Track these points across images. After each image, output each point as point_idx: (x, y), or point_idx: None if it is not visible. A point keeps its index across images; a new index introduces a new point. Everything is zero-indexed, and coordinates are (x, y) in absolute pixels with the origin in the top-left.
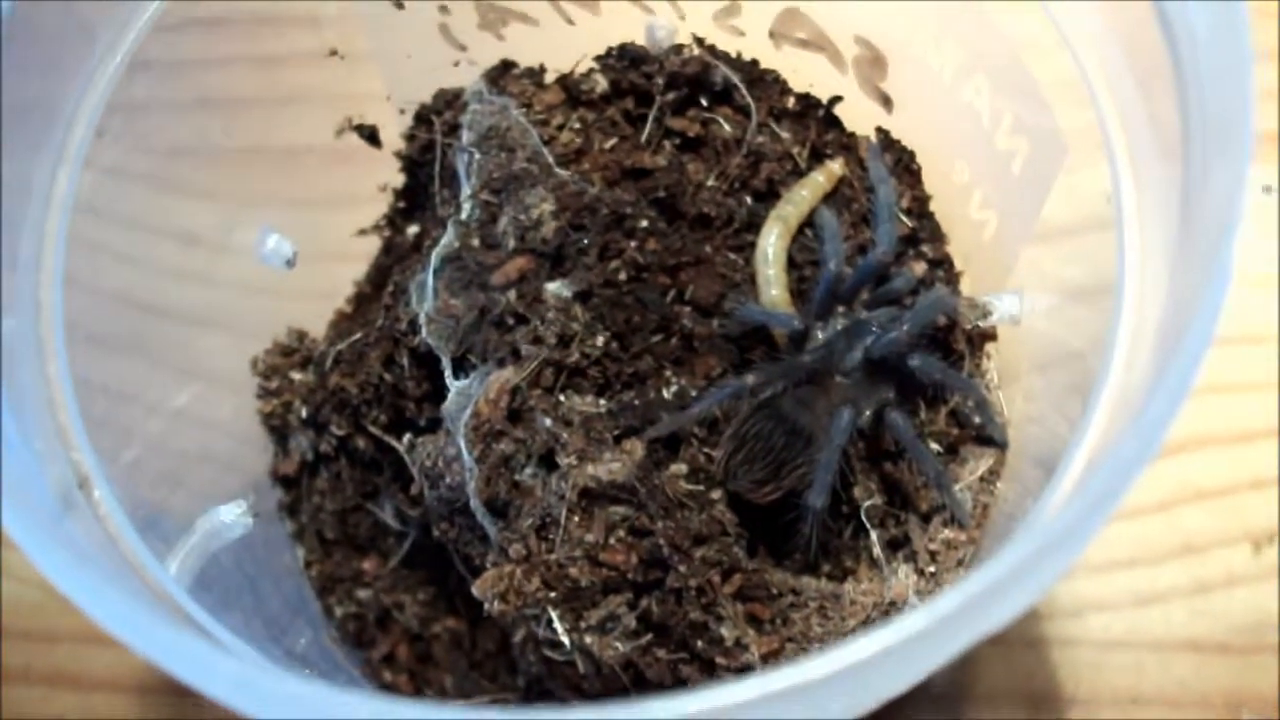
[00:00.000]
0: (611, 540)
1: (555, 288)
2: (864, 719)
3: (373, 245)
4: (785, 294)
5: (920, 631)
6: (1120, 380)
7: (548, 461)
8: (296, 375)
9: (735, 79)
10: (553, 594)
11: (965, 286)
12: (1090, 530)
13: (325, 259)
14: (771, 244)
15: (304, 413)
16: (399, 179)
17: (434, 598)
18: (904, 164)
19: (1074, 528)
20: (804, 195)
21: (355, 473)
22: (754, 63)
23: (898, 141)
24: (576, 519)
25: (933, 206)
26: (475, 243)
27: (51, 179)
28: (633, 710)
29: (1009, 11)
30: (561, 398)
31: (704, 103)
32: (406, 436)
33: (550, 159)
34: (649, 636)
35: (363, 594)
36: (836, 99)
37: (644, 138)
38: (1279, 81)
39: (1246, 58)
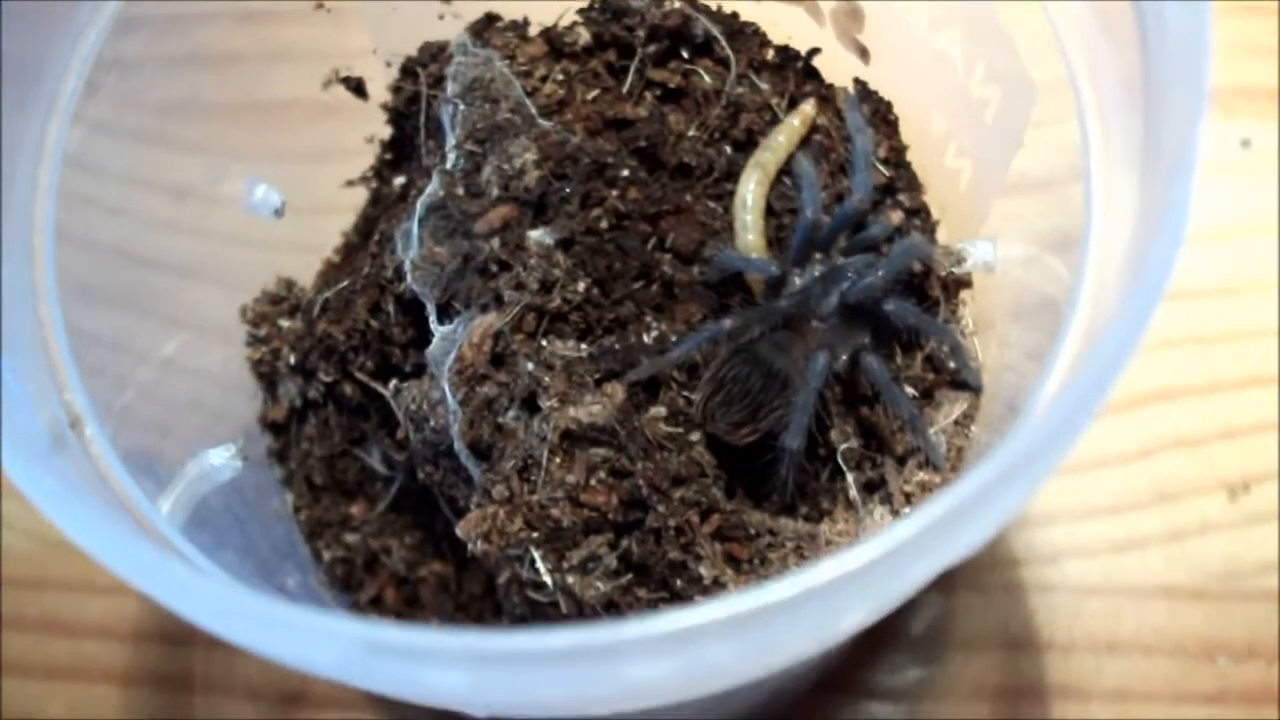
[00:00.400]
0: (592, 481)
1: (538, 235)
2: (841, 664)
3: (360, 197)
4: (761, 240)
5: (884, 555)
6: (1086, 325)
7: (530, 404)
8: (285, 323)
9: (715, 31)
10: (535, 534)
11: (941, 235)
12: (1050, 459)
13: (313, 211)
14: (750, 190)
15: (292, 360)
16: (385, 131)
17: (421, 542)
18: (881, 114)
19: (1034, 457)
20: (781, 141)
21: (343, 418)
22: (734, 15)
23: (875, 92)
24: (558, 460)
25: (909, 156)
26: (460, 192)
27: (42, 133)
28: (602, 633)
29: None
30: (543, 342)
31: (685, 55)
32: (392, 382)
33: (533, 110)
34: (629, 576)
35: (350, 538)
36: (815, 51)
37: (625, 89)
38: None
39: (1205, 7)
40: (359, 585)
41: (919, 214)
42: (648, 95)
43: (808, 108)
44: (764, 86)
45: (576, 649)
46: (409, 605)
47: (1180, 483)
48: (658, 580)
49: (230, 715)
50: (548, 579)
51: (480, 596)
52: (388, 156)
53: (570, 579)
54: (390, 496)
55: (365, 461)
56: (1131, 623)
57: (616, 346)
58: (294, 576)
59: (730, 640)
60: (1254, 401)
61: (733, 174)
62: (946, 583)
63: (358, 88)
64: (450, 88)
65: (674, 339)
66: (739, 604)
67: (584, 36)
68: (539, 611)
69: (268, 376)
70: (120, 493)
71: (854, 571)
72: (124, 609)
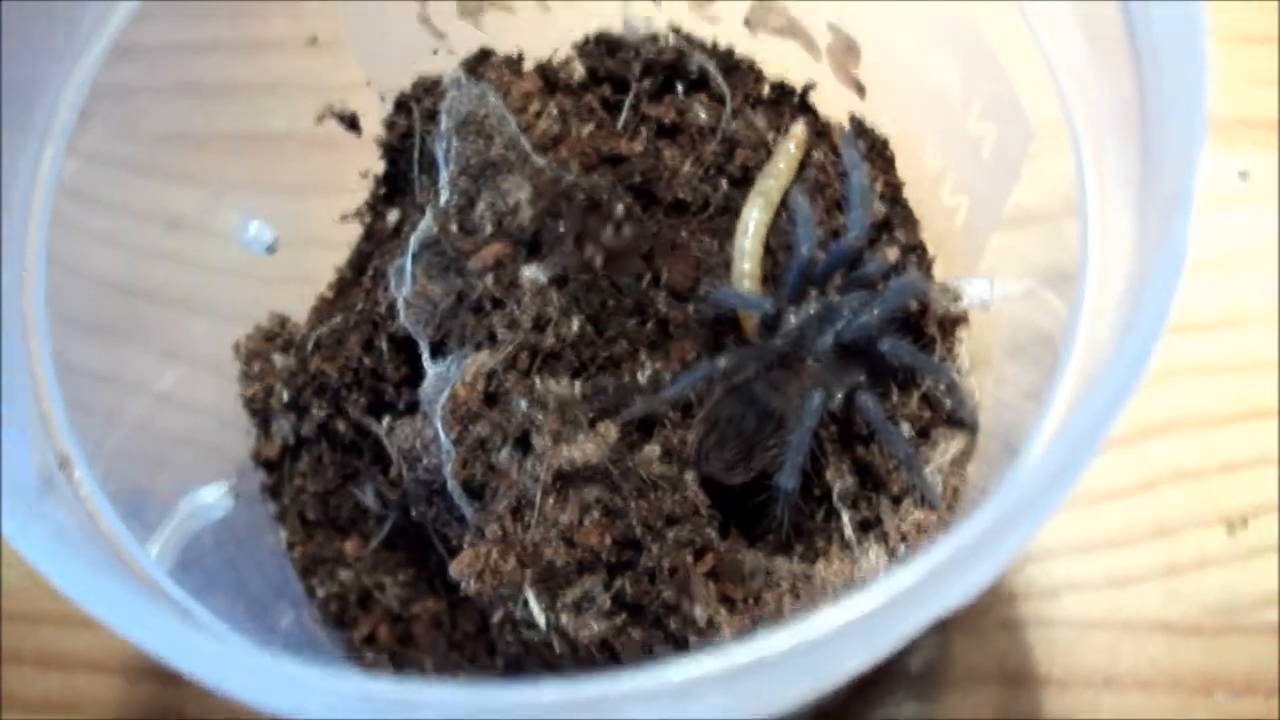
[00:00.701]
0: (586, 521)
1: (531, 273)
2: (840, 700)
3: (355, 231)
4: (758, 269)
5: (882, 605)
6: (1084, 361)
7: (523, 444)
8: (278, 359)
9: (710, 67)
10: (528, 573)
11: (938, 271)
12: (1050, 503)
13: (308, 244)
14: (754, 217)
15: (285, 396)
16: (380, 165)
17: (414, 579)
18: (877, 150)
19: (1034, 500)
20: (780, 168)
21: (336, 455)
22: (729, 51)
23: (871, 129)
24: (551, 500)
25: (905, 193)
26: (453, 228)
27: (36, 163)
28: (594, 686)
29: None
30: (537, 381)
31: (680, 90)
32: (386, 419)
33: (527, 145)
34: (623, 616)
35: (344, 575)
36: (810, 86)
37: (620, 124)
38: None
39: (1200, 33)
40: (353, 622)
41: (915, 250)
42: (643, 130)
43: (798, 129)
44: (759, 122)
45: (567, 703)
46: (402, 643)
47: (1179, 516)
48: (652, 620)
49: None
50: (541, 619)
51: (474, 635)
52: (382, 191)
53: (564, 618)
54: (384, 533)
55: (359, 498)
56: (1130, 657)
57: (610, 385)
58: (287, 615)
59: (725, 692)
60: (1253, 434)
61: (729, 209)
62: (944, 618)
63: (352, 122)
64: (444, 123)
65: (668, 377)
66: (733, 656)
67: (579, 71)
68: (533, 651)
69: (261, 413)
70: (109, 534)
71: (851, 622)
72: (116, 644)
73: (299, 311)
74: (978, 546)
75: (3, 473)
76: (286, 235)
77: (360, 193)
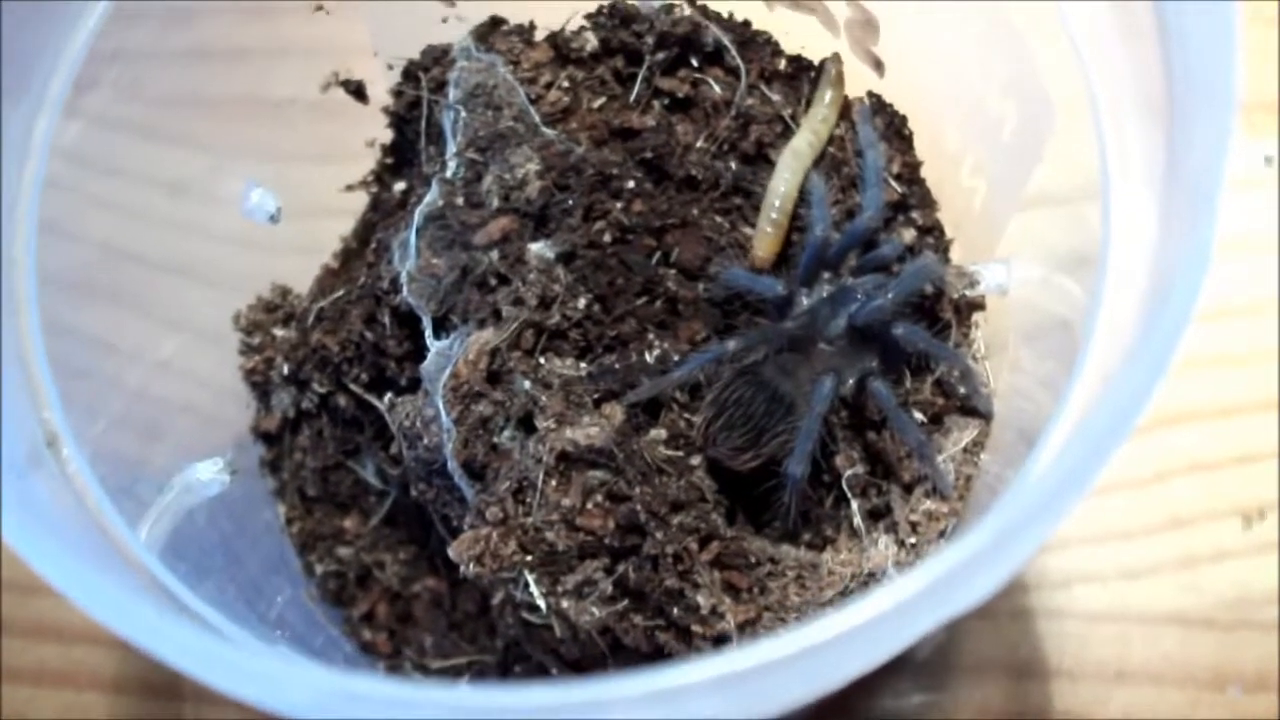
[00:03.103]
0: (589, 505)
1: (538, 248)
2: (843, 692)
3: (361, 201)
4: (789, 203)
5: (884, 614)
6: (1103, 352)
7: (526, 424)
8: (279, 331)
9: (726, 40)
10: (529, 557)
11: (955, 254)
12: (1061, 510)
13: (313, 214)
14: (805, 141)
15: (286, 369)
16: (387, 135)
17: (415, 557)
18: (895, 129)
19: (1045, 506)
20: (826, 101)
21: (337, 430)
22: (745, 24)
23: (889, 105)
24: (554, 483)
25: (924, 173)
26: (459, 201)
27: (30, 127)
28: (583, 691)
29: None
30: (541, 360)
31: (694, 63)
32: (388, 395)
33: (537, 118)
34: (625, 602)
35: (343, 552)
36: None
37: (633, 97)
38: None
39: (1231, 19)
40: (351, 600)
41: (932, 232)
42: (655, 104)
43: (833, 64)
44: (775, 97)
45: (559, 705)
46: (402, 622)
47: (1194, 508)
48: (654, 608)
49: None
50: (542, 603)
51: (474, 615)
52: (389, 161)
53: (565, 603)
54: (384, 511)
55: (359, 474)
56: (1141, 651)
57: (616, 366)
58: (284, 592)
59: (721, 695)
60: (1271, 426)
61: (740, 188)
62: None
63: (358, 90)
64: (452, 94)
65: (676, 358)
66: (731, 662)
67: (591, 42)
68: (533, 634)
69: (261, 385)
70: (96, 514)
71: (853, 629)
72: None
73: (303, 281)
74: (985, 553)
75: None
76: (291, 204)
77: (367, 161)
